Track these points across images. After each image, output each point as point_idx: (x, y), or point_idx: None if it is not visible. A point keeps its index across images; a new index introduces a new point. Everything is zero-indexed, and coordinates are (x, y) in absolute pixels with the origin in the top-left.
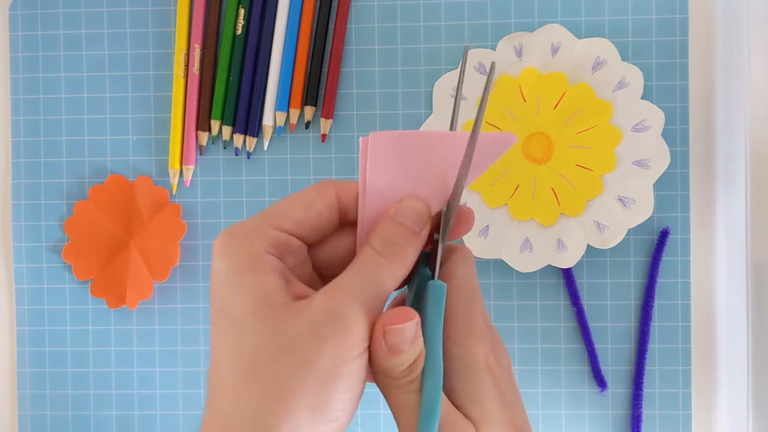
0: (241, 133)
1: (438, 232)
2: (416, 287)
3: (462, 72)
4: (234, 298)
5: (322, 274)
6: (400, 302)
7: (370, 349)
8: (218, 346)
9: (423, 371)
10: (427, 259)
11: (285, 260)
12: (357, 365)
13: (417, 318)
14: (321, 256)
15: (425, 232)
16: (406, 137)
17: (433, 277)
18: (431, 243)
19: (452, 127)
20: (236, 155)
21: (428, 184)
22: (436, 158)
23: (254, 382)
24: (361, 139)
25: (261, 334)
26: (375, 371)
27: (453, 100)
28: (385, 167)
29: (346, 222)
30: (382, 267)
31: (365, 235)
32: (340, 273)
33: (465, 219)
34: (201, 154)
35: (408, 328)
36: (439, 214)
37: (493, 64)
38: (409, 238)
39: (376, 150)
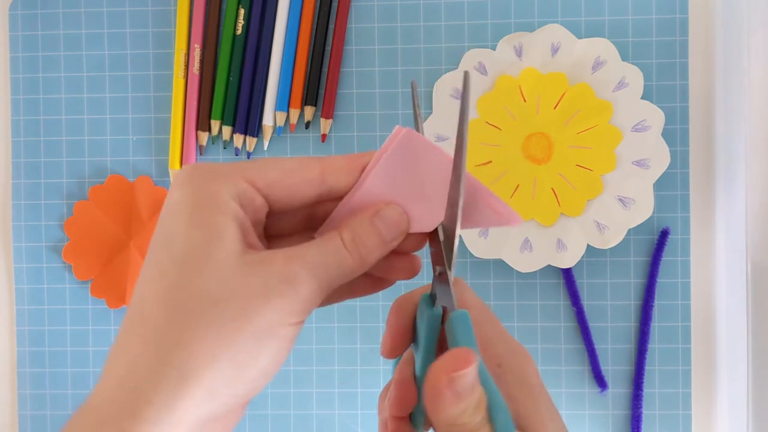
0: (241, 133)
1: (441, 264)
2: (429, 326)
3: (416, 106)
4: (183, 232)
5: (270, 243)
6: (409, 357)
7: (429, 402)
8: (148, 279)
9: (488, 405)
10: (431, 299)
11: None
12: (292, 331)
13: (477, 357)
14: (278, 222)
15: (395, 243)
16: (436, 152)
17: (452, 308)
18: (434, 257)
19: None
20: (236, 155)
21: (430, 202)
22: (448, 183)
23: (183, 325)
24: (397, 127)
25: (205, 275)
26: (440, 424)
27: (453, 100)
28: (400, 166)
29: (324, 199)
30: (344, 259)
31: (344, 212)
32: (288, 245)
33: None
34: (201, 154)
35: (471, 371)
36: (434, 241)
37: (466, 75)
38: (378, 245)
39: (403, 146)
